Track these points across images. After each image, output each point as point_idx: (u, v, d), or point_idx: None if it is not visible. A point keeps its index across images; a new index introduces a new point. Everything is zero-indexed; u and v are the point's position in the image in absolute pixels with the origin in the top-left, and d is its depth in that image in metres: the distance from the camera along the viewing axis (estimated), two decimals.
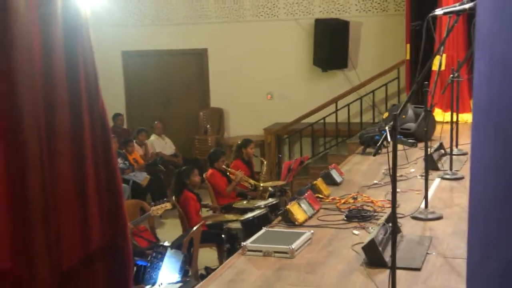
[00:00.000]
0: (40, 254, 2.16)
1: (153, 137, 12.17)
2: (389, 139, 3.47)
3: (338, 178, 6.31)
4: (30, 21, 2.11)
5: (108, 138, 2.38)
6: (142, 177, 10.43)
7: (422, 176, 5.91)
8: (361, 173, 6.85)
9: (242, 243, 4.51)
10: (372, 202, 5.43)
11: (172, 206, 7.33)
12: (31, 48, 2.11)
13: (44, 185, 2.16)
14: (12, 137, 2.09)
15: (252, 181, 8.66)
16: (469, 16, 4.15)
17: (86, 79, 2.27)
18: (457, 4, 4.29)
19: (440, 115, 9.05)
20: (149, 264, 5.60)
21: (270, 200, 7.43)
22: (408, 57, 10.56)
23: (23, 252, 2.13)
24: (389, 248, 3.86)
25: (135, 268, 5.60)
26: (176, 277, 5.49)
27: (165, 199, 7.34)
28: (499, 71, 1.70)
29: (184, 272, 5.77)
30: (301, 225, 4.92)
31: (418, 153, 7.11)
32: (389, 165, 3.46)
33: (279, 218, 5.16)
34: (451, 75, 6.37)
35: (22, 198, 2.12)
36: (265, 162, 9.47)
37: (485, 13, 1.87)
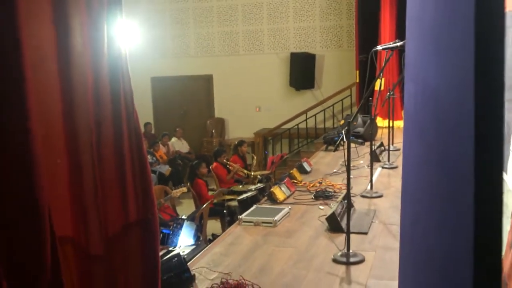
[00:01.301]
0: (92, 224, 2.17)
1: (173, 139, 12.15)
2: (344, 139, 3.49)
3: (308, 168, 6.33)
4: (85, 59, 2.11)
5: (141, 141, 2.38)
6: (165, 169, 10.41)
7: (368, 166, 5.95)
8: (324, 164, 6.87)
9: (238, 216, 4.52)
10: (332, 185, 5.46)
11: (187, 189, 7.32)
12: (86, 80, 2.12)
13: (94, 176, 2.17)
14: (72, 147, 2.10)
15: (245, 171, 8.67)
16: (400, 51, 4.18)
17: (125, 100, 2.27)
18: (391, 43, 4.32)
19: (381, 121, 9.10)
20: (171, 232, 5.58)
21: (259, 184, 7.43)
22: (357, 80, 10.59)
23: (80, 224, 2.14)
24: (345, 218, 3.89)
25: (161, 235, 5.59)
26: (191, 241, 5.48)
27: (182, 184, 7.33)
28: (421, 90, 1.72)
29: (197, 238, 5.76)
30: (281, 203, 4.95)
31: (365, 149, 7.14)
32: (345, 159, 3.47)
33: (265, 198, 5.17)
34: (388, 93, 6.41)
35: (80, 186, 2.13)
36: (255, 157, 9.46)
37: (411, 48, 1.90)
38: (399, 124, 9.05)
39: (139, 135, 2.34)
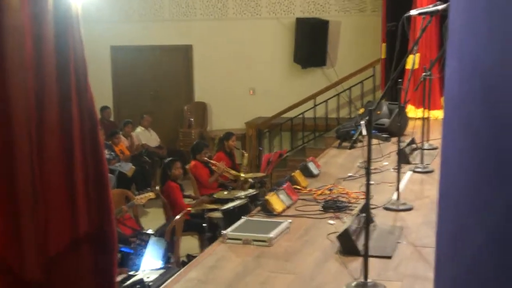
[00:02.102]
0: (28, 241, 2.15)
1: (139, 129, 12.13)
2: (364, 133, 3.49)
3: (315, 171, 6.31)
4: (22, 17, 2.09)
5: (96, 130, 2.37)
6: (128, 168, 10.39)
7: (394, 169, 5.93)
8: (337, 165, 6.85)
9: (222, 231, 4.51)
10: (347, 193, 5.44)
11: (155, 195, 7.31)
12: (23, 43, 2.10)
13: (33, 175, 2.15)
14: (1, 132, 2.08)
15: (233, 172, 8.65)
16: (442, 17, 4.18)
17: (76, 74, 2.26)
18: (430, 6, 4.31)
19: (412, 111, 9.10)
20: (133, 251, 5.58)
21: (250, 190, 7.42)
22: (383, 56, 10.59)
23: (12, 240, 2.12)
24: (362, 237, 3.88)
25: (119, 255, 5.58)
26: (159, 263, 5.48)
27: (148, 188, 7.32)
28: (469, 68, 1.71)
29: (166, 259, 5.76)
30: (279, 215, 4.92)
31: (391, 147, 7.13)
32: (364, 159, 3.47)
33: (259, 208, 5.15)
34: (424, 73, 6.40)
35: (11, 189, 2.11)
36: (246, 155, 9.46)
37: (456, 14, 1.89)
38: (437, 114, 9.06)
39: (94, 122, 2.33)
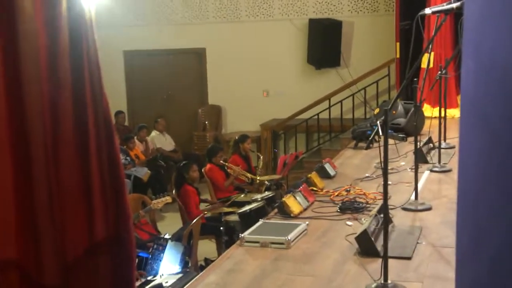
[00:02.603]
0: (45, 245, 2.16)
1: (153, 133, 12.15)
2: (380, 133, 3.48)
3: (331, 172, 6.31)
4: (36, 22, 2.09)
5: (112, 136, 2.37)
6: (143, 172, 10.41)
7: (412, 169, 5.92)
8: (353, 166, 6.85)
9: (240, 234, 4.51)
10: (364, 194, 5.43)
11: (172, 199, 7.32)
12: (37, 49, 2.10)
13: (49, 182, 2.16)
14: (17, 140, 2.09)
15: (249, 175, 8.66)
16: (456, 15, 4.16)
17: (90, 79, 2.26)
18: (445, 4, 4.30)
19: (428, 110, 9.07)
20: (150, 256, 5.60)
21: (267, 193, 7.43)
22: (398, 55, 10.55)
23: (30, 246, 2.13)
24: (381, 238, 3.87)
25: (137, 260, 5.60)
26: (177, 268, 5.49)
27: (165, 193, 7.33)
28: (486, 67, 1.70)
29: (184, 263, 5.77)
30: (296, 217, 4.93)
31: (408, 147, 7.11)
32: (380, 159, 3.46)
33: (275, 210, 5.15)
34: (439, 72, 6.39)
35: (28, 197, 2.12)
36: (261, 157, 9.46)
37: (472, 11, 1.88)
38: (453, 113, 9.03)
39: (109, 128, 2.34)
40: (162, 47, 13.42)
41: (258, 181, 8.55)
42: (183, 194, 7.57)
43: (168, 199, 7.08)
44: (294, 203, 5.04)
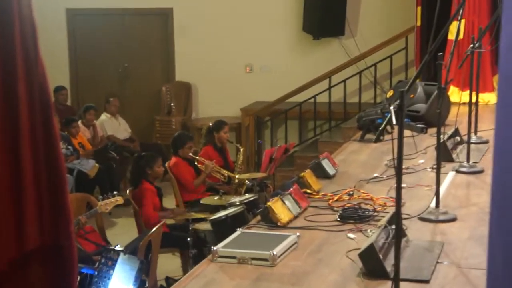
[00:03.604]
0: None
1: (104, 116, 12.10)
2: (394, 122, 3.48)
3: (330, 170, 6.33)
4: None
5: (50, 115, 2.36)
6: (90, 166, 10.36)
7: (433, 168, 5.94)
8: (358, 164, 6.88)
9: (212, 247, 4.52)
10: (371, 199, 5.46)
11: (124, 201, 7.30)
12: None
13: None
14: None
15: (225, 172, 8.66)
16: None
17: (22, 41, 2.24)
18: None
19: (456, 94, 9.12)
20: (96, 273, 5.58)
21: (247, 195, 7.43)
22: (418, 23, 10.59)
23: None
24: (391, 255, 3.89)
25: (78, 277, 5.58)
26: None
27: (115, 192, 7.30)
28: None
29: (140, 283, 5.77)
30: (284, 226, 4.94)
31: (428, 140, 7.15)
32: (393, 155, 3.47)
33: (258, 217, 5.18)
34: (471, 45, 6.40)
35: None
36: (241, 150, 9.46)
37: None
38: (488, 98, 9.08)
39: (46, 104, 2.33)
40: (116, 5, 13.36)
41: (236, 180, 8.55)
42: (140, 195, 7.55)
43: (119, 199, 7.06)
44: (282, 209, 5.05)
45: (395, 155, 3.49)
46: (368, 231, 4.70)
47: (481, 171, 6.18)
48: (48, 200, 2.31)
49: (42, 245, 2.29)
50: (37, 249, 2.28)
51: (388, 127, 3.79)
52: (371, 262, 4.04)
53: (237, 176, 8.60)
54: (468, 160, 6.34)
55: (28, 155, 2.28)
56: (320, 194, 5.70)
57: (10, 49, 2.21)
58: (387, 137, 6.58)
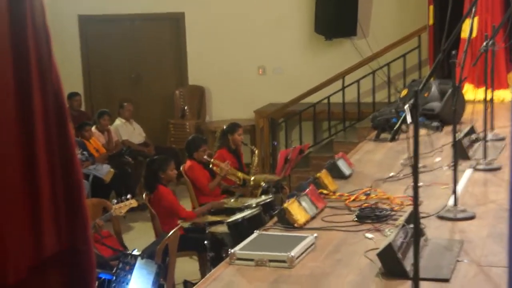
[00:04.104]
0: None
1: (118, 121, 12.14)
2: (408, 121, 3.48)
3: (346, 170, 6.33)
4: None
5: (65, 121, 2.36)
6: (105, 171, 10.40)
7: (449, 166, 5.92)
8: (374, 163, 6.87)
9: (229, 250, 4.51)
10: (388, 198, 5.46)
11: (138, 203, 7.31)
12: None
13: None
14: None
15: (240, 175, 8.67)
16: None
17: (36, 48, 2.24)
18: None
19: (471, 92, 9.09)
20: (114, 278, 5.59)
21: (263, 197, 7.43)
22: (431, 22, 10.58)
23: None
24: (410, 254, 3.87)
25: (97, 282, 5.59)
26: None
27: (129, 195, 7.31)
28: None
29: (158, 287, 5.77)
30: (301, 227, 4.94)
31: (444, 138, 7.15)
32: (409, 154, 3.46)
33: (275, 219, 5.17)
34: (485, 43, 6.38)
35: None
36: (256, 152, 9.47)
37: None
38: (503, 95, 9.04)
39: (61, 110, 2.33)
40: (128, 11, 13.40)
41: (252, 182, 8.56)
42: (156, 199, 7.56)
43: (132, 202, 7.08)
44: (298, 210, 5.05)
45: (411, 154, 3.47)
46: (386, 230, 4.69)
47: (498, 168, 6.17)
48: (65, 205, 2.31)
49: (59, 252, 2.29)
50: (54, 255, 2.28)
51: (403, 126, 3.78)
52: (390, 262, 4.03)
53: (252, 178, 8.61)
54: (485, 158, 6.32)
55: (44, 162, 2.27)
56: (337, 194, 5.69)
57: (24, 57, 2.21)
58: (402, 136, 6.61)
